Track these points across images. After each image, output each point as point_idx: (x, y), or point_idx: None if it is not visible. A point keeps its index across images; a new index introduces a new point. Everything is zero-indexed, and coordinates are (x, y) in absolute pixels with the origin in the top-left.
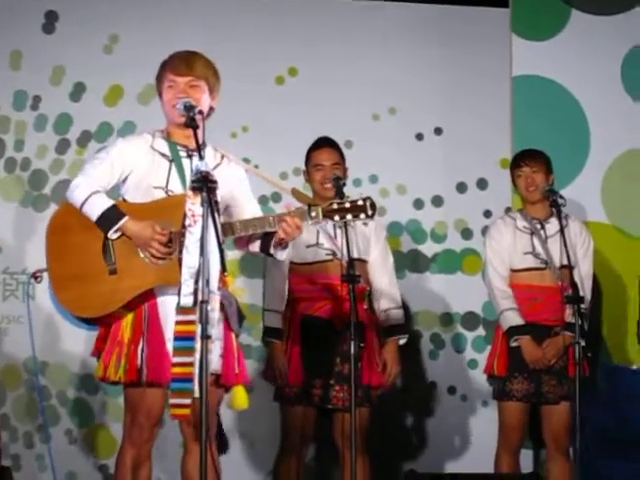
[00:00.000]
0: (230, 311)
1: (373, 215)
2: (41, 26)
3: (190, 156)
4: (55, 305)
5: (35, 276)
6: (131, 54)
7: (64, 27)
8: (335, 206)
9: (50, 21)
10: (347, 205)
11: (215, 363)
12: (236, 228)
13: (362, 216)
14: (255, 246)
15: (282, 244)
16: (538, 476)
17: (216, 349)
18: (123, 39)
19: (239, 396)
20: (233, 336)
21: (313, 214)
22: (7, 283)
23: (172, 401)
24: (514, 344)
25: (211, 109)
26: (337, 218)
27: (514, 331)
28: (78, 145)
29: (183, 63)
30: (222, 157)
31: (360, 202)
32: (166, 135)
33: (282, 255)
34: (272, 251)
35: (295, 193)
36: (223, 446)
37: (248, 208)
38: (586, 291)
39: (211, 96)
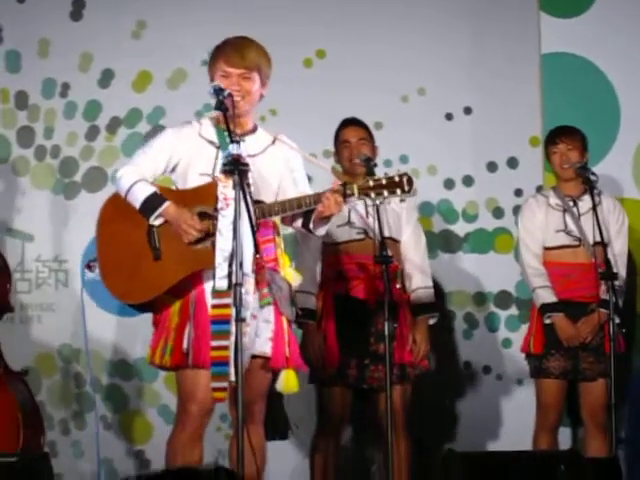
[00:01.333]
0: (280, 295)
1: (410, 191)
2: (68, 13)
3: (238, 142)
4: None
5: (89, 266)
6: (159, 39)
7: (91, 14)
8: (371, 183)
9: (77, 8)
10: (383, 182)
11: (264, 346)
12: (273, 210)
13: (398, 192)
14: (298, 223)
15: (322, 220)
16: (577, 453)
17: (265, 332)
18: (150, 24)
19: (290, 379)
20: (284, 320)
21: (349, 191)
22: (39, 271)
23: (212, 384)
24: (548, 321)
25: (261, 96)
26: (373, 195)
27: (547, 308)
28: (107, 131)
29: (237, 54)
30: (274, 140)
31: (397, 178)
32: (216, 122)
33: (322, 231)
34: (311, 226)
35: (335, 172)
36: (283, 432)
37: (294, 189)
38: (620, 268)
39: (262, 85)
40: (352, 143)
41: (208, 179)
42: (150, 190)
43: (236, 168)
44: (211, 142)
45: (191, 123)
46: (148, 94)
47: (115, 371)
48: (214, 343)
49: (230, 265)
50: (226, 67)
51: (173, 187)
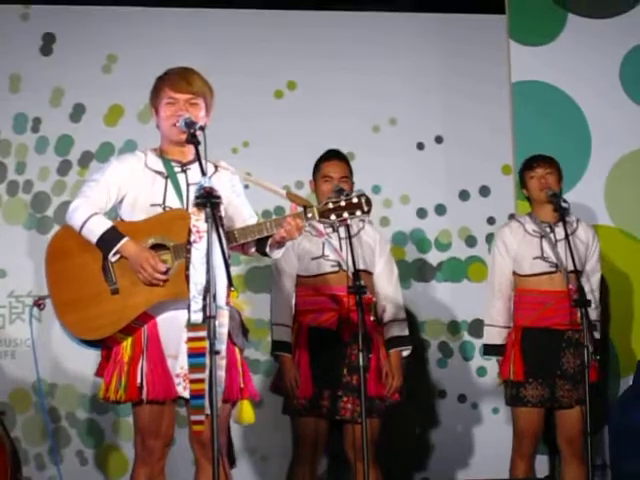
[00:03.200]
0: (232, 325)
1: (369, 211)
2: (39, 48)
3: (184, 170)
4: (62, 329)
5: (37, 304)
6: (130, 73)
7: (61, 48)
8: (330, 205)
9: (47, 43)
10: (342, 203)
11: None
12: (234, 236)
13: (358, 213)
14: (251, 248)
15: (279, 243)
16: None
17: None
18: (121, 58)
19: (245, 410)
20: (237, 350)
21: (309, 215)
22: (13, 306)
23: (192, 417)
24: (490, 360)
25: (205, 126)
26: (333, 217)
27: (490, 350)
28: (80, 166)
29: (183, 80)
30: (215, 167)
31: (355, 199)
32: (159, 152)
33: (278, 254)
34: (267, 250)
35: (290, 196)
36: (231, 460)
37: (243, 213)
38: (597, 301)
39: (207, 113)
40: (334, 179)
41: (159, 209)
42: (107, 224)
43: (208, 201)
44: (159, 172)
45: (135, 154)
46: (120, 128)
47: (91, 406)
48: (192, 376)
49: (204, 298)
50: (172, 93)
51: (118, 219)
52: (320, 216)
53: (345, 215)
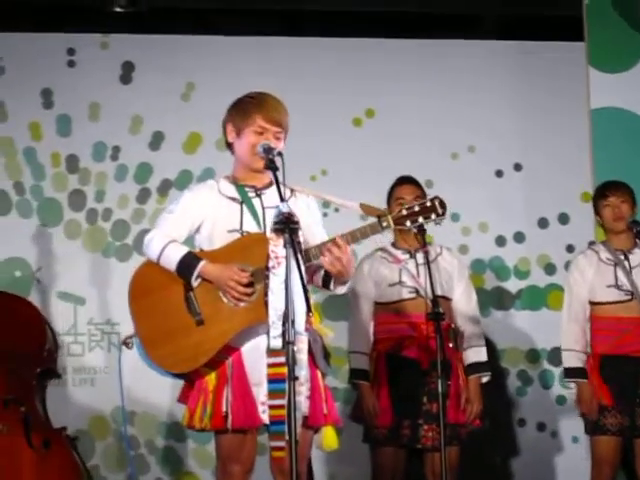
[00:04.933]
0: (315, 348)
1: (444, 214)
2: (118, 77)
3: (259, 195)
4: (149, 365)
5: (125, 342)
6: (208, 101)
7: (140, 76)
8: (404, 212)
9: (127, 71)
10: (416, 208)
11: (302, 404)
12: (311, 254)
13: (433, 216)
14: (318, 281)
15: (339, 279)
16: None
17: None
18: (199, 86)
19: (329, 436)
20: (319, 375)
21: (384, 224)
22: (92, 334)
23: (271, 444)
24: (571, 386)
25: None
26: (408, 223)
27: (571, 373)
28: (159, 194)
29: (276, 112)
30: (292, 191)
31: (428, 203)
32: (232, 179)
33: (341, 290)
34: (331, 286)
35: (364, 207)
36: None
37: (316, 236)
38: None
39: (284, 143)
40: (407, 201)
41: (236, 235)
42: (184, 250)
43: (287, 226)
44: (233, 199)
45: (207, 183)
46: (198, 156)
47: (169, 433)
48: (271, 402)
49: (284, 324)
50: (264, 123)
51: (197, 249)
52: (395, 223)
53: (420, 220)
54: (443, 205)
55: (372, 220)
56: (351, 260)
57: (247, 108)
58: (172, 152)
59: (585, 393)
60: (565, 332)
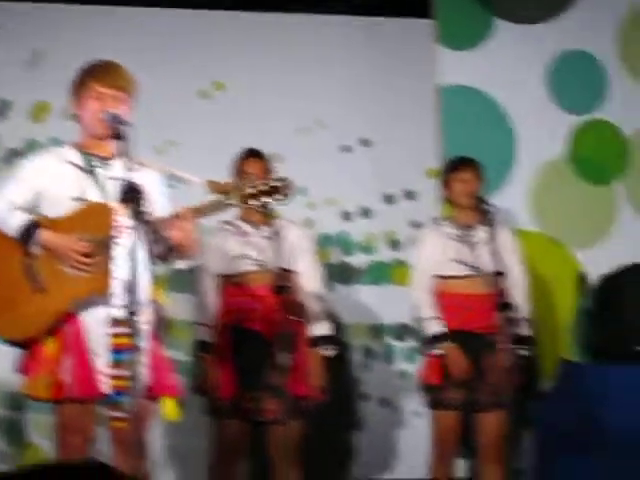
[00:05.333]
0: (156, 319)
1: (287, 195)
2: None
3: (105, 165)
4: None
5: None
6: (56, 70)
7: None
8: (251, 190)
9: None
10: (262, 188)
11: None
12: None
13: (279, 197)
14: (159, 251)
15: (178, 252)
16: None
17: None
18: (47, 55)
19: (169, 407)
20: (160, 346)
21: (230, 201)
22: None
23: (112, 414)
24: (437, 352)
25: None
26: (254, 202)
27: (437, 339)
28: (4, 164)
29: (110, 75)
30: (139, 164)
31: (276, 183)
32: (79, 147)
33: (179, 263)
34: (170, 259)
35: (210, 184)
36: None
37: (161, 210)
38: (520, 296)
39: (130, 108)
40: (254, 174)
41: (80, 204)
42: (24, 217)
43: (132, 196)
44: (78, 167)
45: (53, 149)
46: (46, 125)
47: (8, 403)
48: (113, 372)
49: (127, 294)
50: (99, 87)
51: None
52: (241, 201)
53: (265, 199)
54: (289, 187)
55: (218, 197)
56: (193, 234)
57: (82, 77)
58: (18, 121)
59: (455, 356)
60: (421, 302)
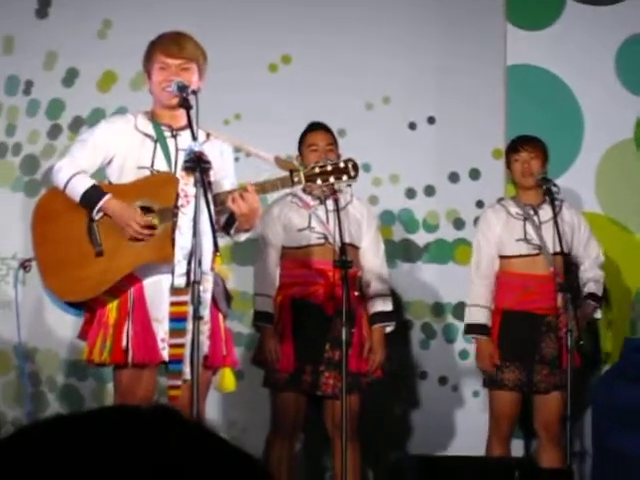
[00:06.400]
0: (217, 290)
1: (356, 176)
2: (34, 11)
3: (175, 135)
4: (46, 292)
5: (24, 266)
6: (124, 40)
7: (57, 12)
8: (317, 170)
9: (43, 6)
10: (329, 168)
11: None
12: (220, 199)
13: (345, 178)
14: (221, 224)
15: (243, 226)
16: (532, 460)
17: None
18: (116, 25)
19: (227, 378)
20: (221, 317)
21: (296, 179)
22: None
23: (168, 382)
24: (472, 341)
25: (199, 90)
26: (319, 181)
27: (471, 329)
28: (70, 131)
29: (175, 45)
30: (207, 135)
31: (342, 164)
32: (151, 116)
33: (241, 237)
34: (232, 232)
35: (278, 161)
36: None
37: (224, 182)
38: (598, 268)
39: (200, 78)
40: (320, 147)
41: (146, 172)
42: (89, 183)
43: (198, 165)
44: (148, 135)
45: (125, 116)
46: (112, 94)
47: (71, 371)
48: (171, 341)
49: (189, 263)
50: (164, 58)
51: (106, 181)
52: (306, 180)
53: (331, 180)
54: (356, 168)
55: (284, 174)
56: (257, 210)
57: (150, 50)
58: (86, 89)
59: (483, 349)
60: (472, 288)
